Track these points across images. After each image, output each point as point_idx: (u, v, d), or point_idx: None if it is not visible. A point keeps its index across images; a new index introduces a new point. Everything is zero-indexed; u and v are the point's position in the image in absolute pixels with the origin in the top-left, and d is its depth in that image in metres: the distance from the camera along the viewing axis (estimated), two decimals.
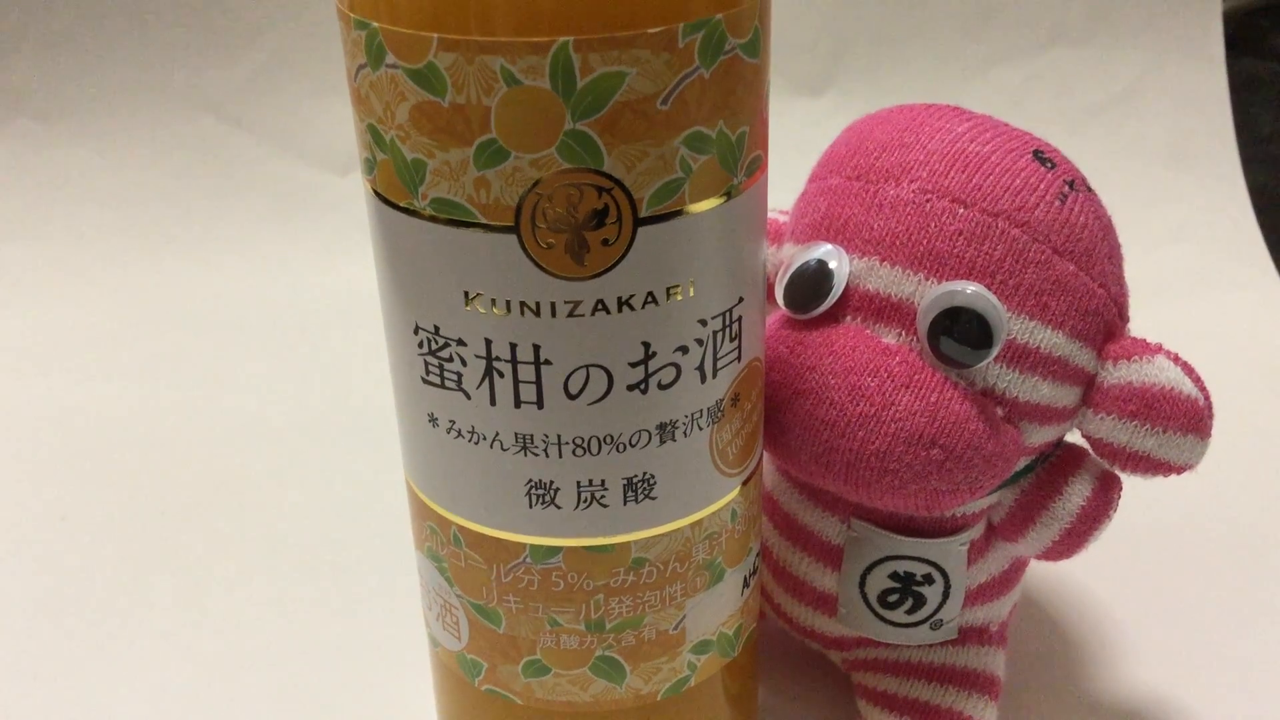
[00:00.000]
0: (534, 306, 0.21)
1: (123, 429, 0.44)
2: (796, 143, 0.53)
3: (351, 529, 0.39)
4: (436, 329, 0.22)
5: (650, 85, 0.20)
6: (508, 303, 0.21)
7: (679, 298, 0.22)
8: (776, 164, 0.45)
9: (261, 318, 0.50)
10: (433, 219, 0.21)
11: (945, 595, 0.29)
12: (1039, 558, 0.30)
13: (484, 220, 0.21)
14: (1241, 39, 0.82)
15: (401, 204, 0.22)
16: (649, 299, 0.22)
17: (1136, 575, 0.36)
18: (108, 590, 0.37)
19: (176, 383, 0.47)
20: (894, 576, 0.29)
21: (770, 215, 0.30)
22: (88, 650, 0.34)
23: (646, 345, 0.22)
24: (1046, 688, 0.33)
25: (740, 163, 0.22)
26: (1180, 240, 0.51)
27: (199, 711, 0.32)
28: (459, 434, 0.23)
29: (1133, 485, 0.30)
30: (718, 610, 0.26)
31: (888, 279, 0.26)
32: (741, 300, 0.23)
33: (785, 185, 0.32)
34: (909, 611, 0.29)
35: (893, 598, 0.29)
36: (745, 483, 0.25)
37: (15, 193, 0.52)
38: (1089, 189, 0.28)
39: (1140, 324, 0.43)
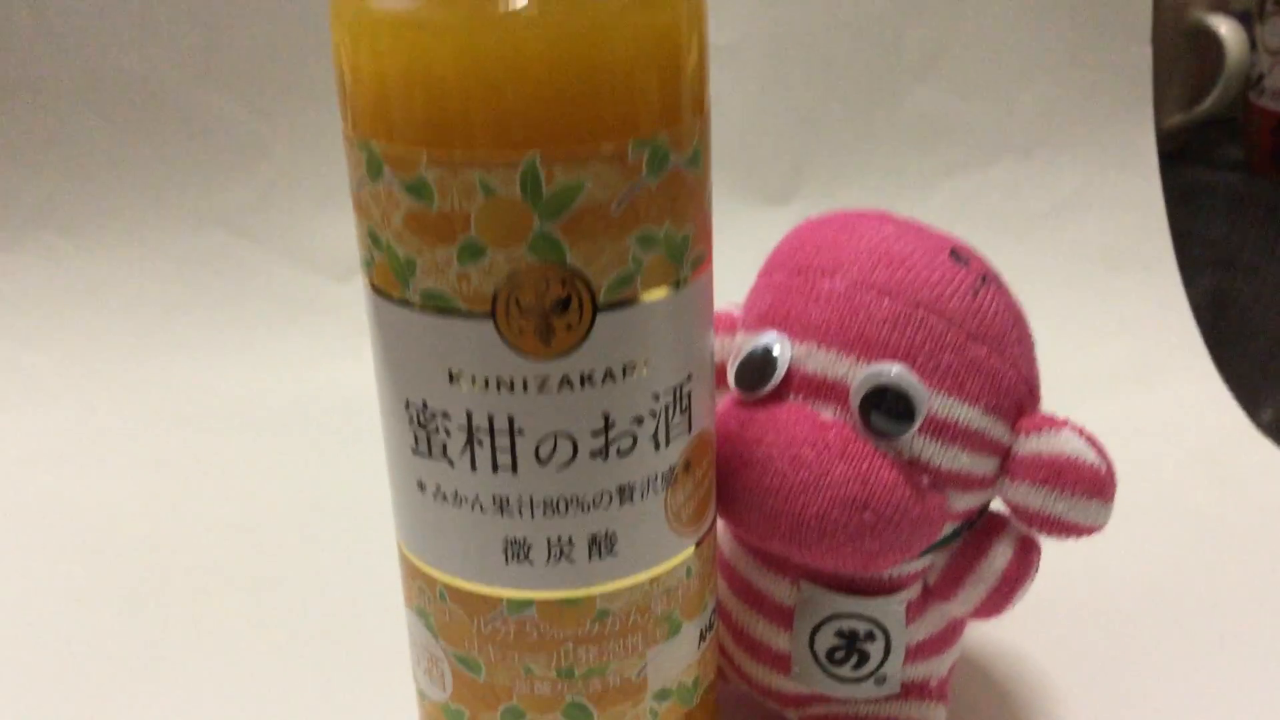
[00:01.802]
0: (508, 382, 0.25)
1: (142, 517, 0.47)
2: (764, 248, 0.57)
3: (348, 601, 0.41)
4: (425, 404, 0.26)
5: (605, 193, 0.24)
6: (486, 379, 0.25)
7: (634, 375, 0.25)
8: (742, 267, 0.50)
9: (268, 412, 0.53)
10: (422, 308, 0.25)
11: (887, 651, 0.32)
12: (971, 616, 0.33)
13: (465, 308, 0.24)
14: (1195, 149, 0.87)
15: (395, 296, 0.25)
16: (608, 375, 0.25)
17: (1068, 638, 0.39)
18: (120, 666, 0.39)
19: (191, 474, 0.50)
20: (840, 634, 0.32)
21: (727, 309, 0.34)
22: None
23: (607, 416, 0.25)
24: None
25: (685, 258, 0.26)
26: (1119, 336, 0.54)
27: None
28: (444, 498, 0.26)
29: (1071, 556, 0.33)
30: (676, 660, 0.29)
31: (824, 361, 0.30)
32: (690, 377, 0.27)
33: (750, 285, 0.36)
34: (855, 667, 0.32)
35: (840, 654, 0.32)
36: (699, 543, 0.29)
37: (40, 300, 0.55)
38: (1000, 284, 0.31)
39: (1082, 411, 0.47)
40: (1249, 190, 0.80)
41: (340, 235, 0.57)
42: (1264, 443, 0.50)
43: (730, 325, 0.34)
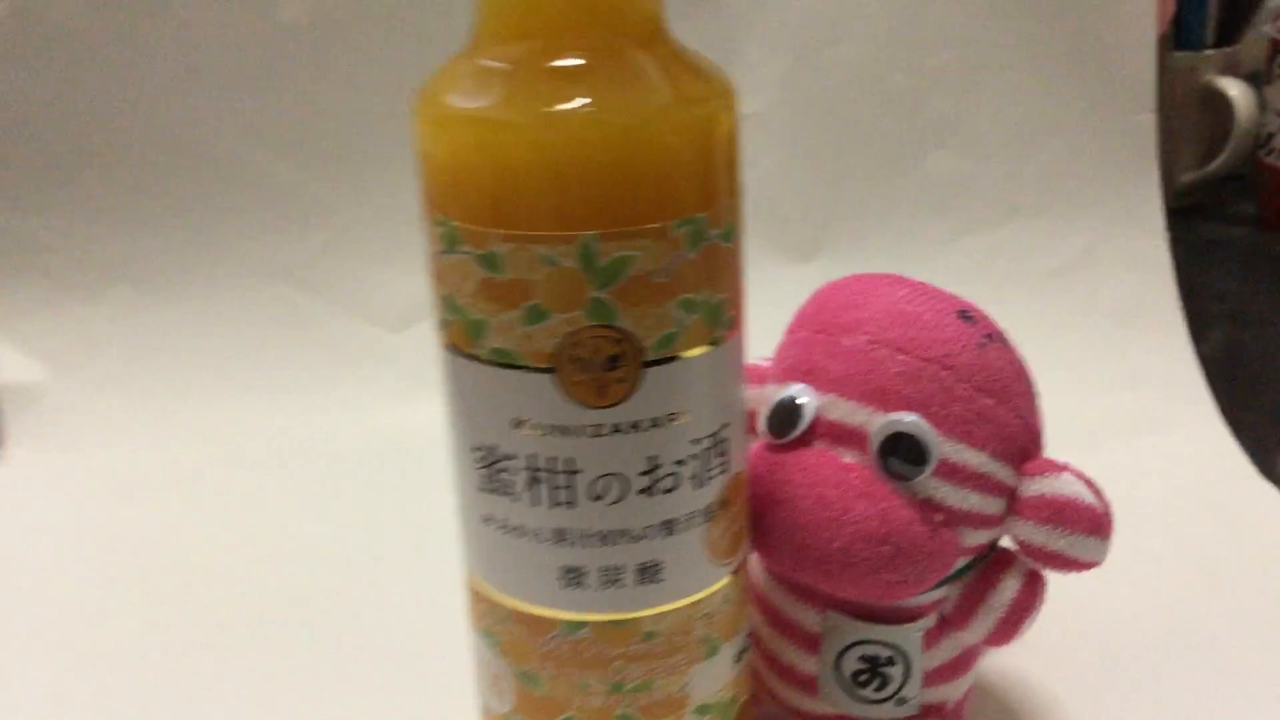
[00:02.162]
0: (567, 429, 0.28)
1: (211, 552, 0.51)
2: (790, 300, 0.60)
3: (412, 625, 0.45)
4: (492, 449, 0.29)
5: (652, 264, 0.27)
6: (547, 426, 0.28)
7: (677, 423, 0.29)
8: (773, 319, 0.54)
9: (328, 453, 0.57)
10: (491, 363, 0.28)
11: (906, 675, 0.35)
12: (983, 644, 0.36)
13: (529, 364, 0.28)
14: (1208, 205, 0.90)
15: (467, 352, 0.29)
16: (654, 423, 0.28)
17: (1078, 668, 0.42)
18: (198, 692, 0.43)
19: (258, 511, 0.54)
20: (863, 659, 0.35)
21: (758, 363, 0.37)
22: None
23: (653, 459, 0.29)
24: None
25: (721, 319, 0.29)
26: (1128, 388, 0.57)
27: None
28: (508, 531, 0.30)
29: (1082, 592, 0.36)
30: (715, 678, 0.32)
31: (845, 411, 0.33)
32: (726, 425, 0.30)
33: (779, 336, 0.39)
34: (877, 690, 0.35)
35: (863, 677, 0.35)
36: (735, 572, 0.32)
37: (115, 349, 0.59)
38: (1005, 341, 0.35)
39: (1093, 458, 0.50)
40: (1260, 245, 0.83)
41: (395, 289, 0.61)
42: (1269, 489, 0.53)
43: (760, 377, 0.37)
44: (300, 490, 0.55)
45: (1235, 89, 0.83)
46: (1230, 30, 0.85)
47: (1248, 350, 0.68)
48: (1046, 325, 0.60)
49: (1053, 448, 0.46)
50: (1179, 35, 0.84)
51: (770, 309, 0.59)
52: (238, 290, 0.60)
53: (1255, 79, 0.85)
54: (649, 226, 0.27)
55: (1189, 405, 0.57)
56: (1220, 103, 0.84)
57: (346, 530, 0.52)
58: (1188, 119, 0.86)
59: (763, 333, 0.39)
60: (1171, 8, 0.62)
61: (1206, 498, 0.52)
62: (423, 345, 0.60)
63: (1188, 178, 0.88)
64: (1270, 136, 0.83)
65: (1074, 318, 0.60)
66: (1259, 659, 0.43)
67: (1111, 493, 0.49)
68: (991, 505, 0.33)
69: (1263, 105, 0.83)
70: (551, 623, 0.30)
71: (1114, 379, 0.58)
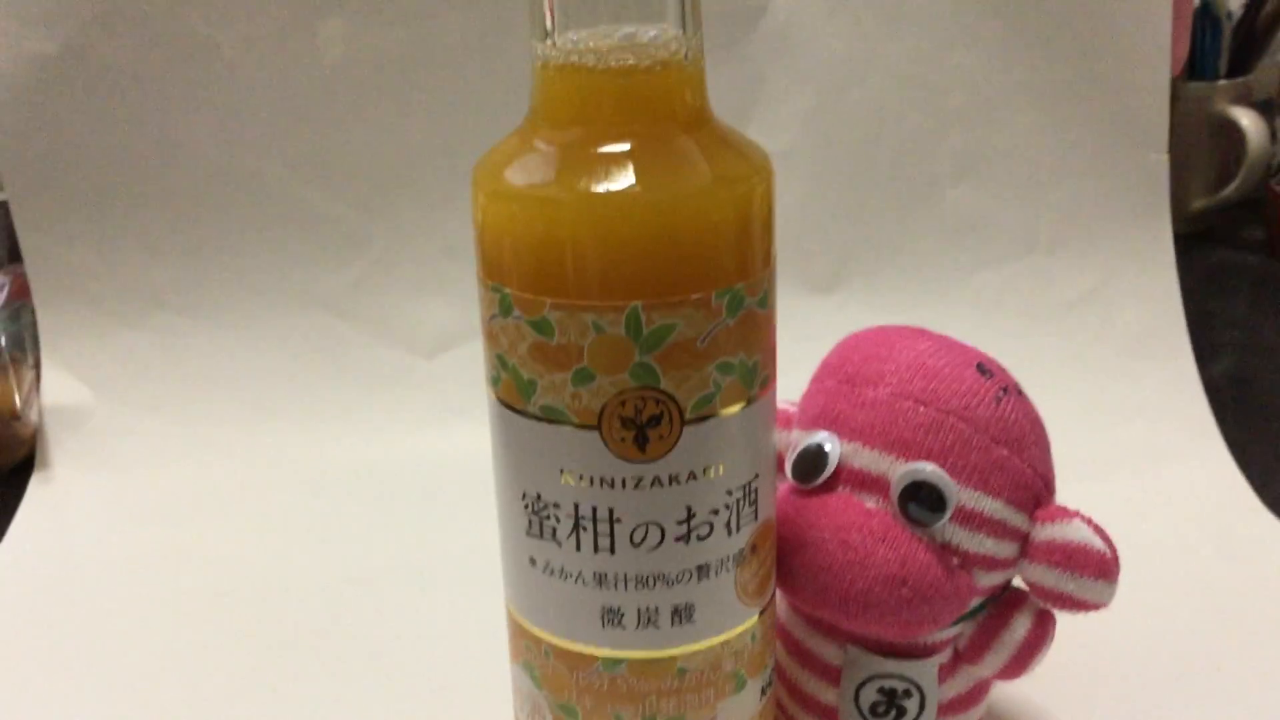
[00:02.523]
0: (610, 481, 0.30)
1: (250, 571, 0.53)
2: (810, 334, 0.62)
3: (450, 646, 0.47)
4: (539, 495, 0.31)
5: (693, 331, 0.29)
6: (591, 478, 0.30)
7: (712, 475, 0.31)
8: (794, 350, 0.55)
9: (363, 474, 0.59)
10: (539, 419, 0.30)
11: (921, 707, 0.37)
12: (995, 678, 0.38)
13: (576, 421, 0.30)
14: (1219, 230, 0.92)
15: (518, 408, 0.31)
16: (691, 476, 0.30)
17: (1084, 696, 0.44)
18: (248, 706, 0.45)
19: (294, 532, 0.56)
20: (881, 691, 0.37)
21: (783, 406, 0.39)
22: None
23: (689, 508, 0.31)
24: None
25: (755, 380, 0.31)
26: (1137, 419, 0.59)
27: None
28: (551, 573, 0.32)
29: (1088, 622, 0.38)
30: (741, 711, 0.34)
31: (869, 459, 0.35)
32: (758, 476, 0.32)
33: (801, 367, 0.41)
34: None
35: (881, 709, 0.37)
36: (762, 613, 0.34)
37: (160, 373, 0.62)
38: (1020, 393, 0.36)
39: (1103, 485, 0.53)
40: (1271, 273, 0.85)
41: (428, 318, 0.63)
42: (1272, 520, 0.55)
43: (787, 422, 0.39)
44: (336, 512, 0.57)
45: (1247, 118, 0.84)
46: (1244, 60, 0.87)
47: (1256, 378, 0.69)
48: (1060, 357, 0.62)
49: (1064, 476, 0.48)
50: (1193, 65, 0.86)
51: (791, 341, 0.61)
52: (276, 318, 0.62)
53: (1268, 107, 0.87)
54: (691, 297, 0.29)
55: (1196, 436, 0.59)
56: (1233, 131, 0.85)
57: (382, 552, 0.54)
58: (1200, 147, 0.88)
59: (784, 363, 0.41)
60: (1185, 50, 0.64)
61: (1210, 528, 0.54)
62: (454, 371, 0.62)
63: (1199, 204, 0.89)
64: None
65: (1086, 349, 0.62)
66: (1262, 688, 0.45)
67: (1118, 523, 0.51)
68: (1005, 549, 0.35)
69: (1274, 135, 0.84)
70: (590, 659, 0.32)
71: (1124, 409, 0.60)
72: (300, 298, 0.62)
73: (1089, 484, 0.57)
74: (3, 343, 0.60)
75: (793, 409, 0.40)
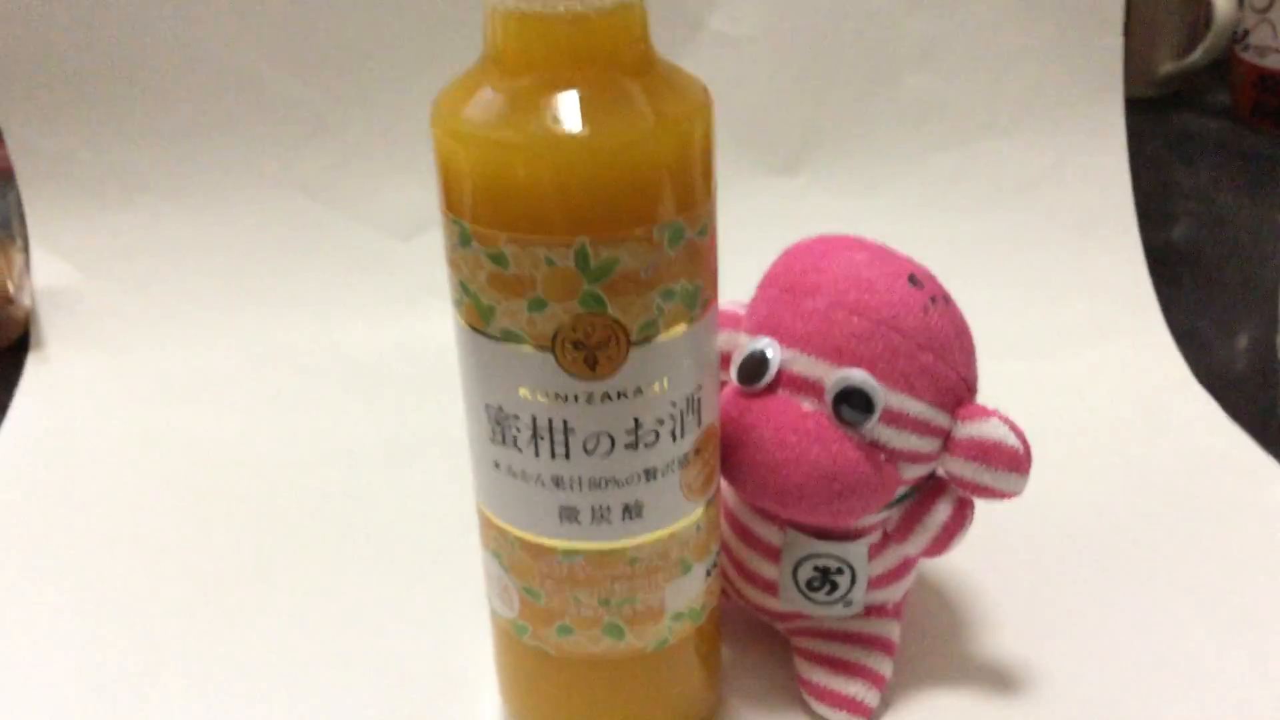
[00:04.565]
0: (564, 396, 0.33)
1: (226, 446, 0.57)
2: (773, 215, 0.65)
3: (428, 527, 0.50)
4: (500, 408, 0.34)
5: (636, 263, 0.32)
6: (547, 393, 0.33)
7: (657, 390, 0.34)
8: (757, 233, 0.58)
9: (336, 354, 0.62)
10: (499, 340, 0.33)
11: (853, 582, 0.41)
12: (920, 555, 0.42)
13: (533, 343, 0.33)
14: (1185, 95, 0.93)
15: (479, 329, 0.34)
16: (637, 391, 0.34)
17: (1006, 565, 0.48)
18: (238, 576, 0.49)
19: (277, 408, 0.59)
20: (817, 569, 0.41)
21: (732, 308, 0.42)
22: (229, 626, 0.47)
23: (637, 420, 0.34)
24: (930, 649, 0.44)
25: (696, 302, 0.34)
26: (1086, 294, 0.62)
27: (322, 657, 0.45)
28: (514, 475, 0.35)
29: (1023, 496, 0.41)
30: (688, 591, 0.38)
31: (806, 365, 0.38)
32: (700, 387, 0.35)
33: (764, 248, 0.43)
34: (827, 594, 0.41)
35: (816, 584, 0.41)
36: (706, 506, 0.37)
37: (143, 253, 0.64)
38: (948, 301, 0.39)
39: (1045, 361, 0.56)
40: (1232, 140, 0.87)
41: (403, 200, 0.65)
42: (1201, 393, 0.58)
43: (735, 322, 0.42)
44: (317, 388, 0.60)
45: None
46: None
47: (1204, 251, 0.72)
48: (1013, 236, 0.65)
49: (1011, 351, 0.52)
50: None
51: (755, 220, 0.64)
52: (256, 201, 0.64)
53: None
54: (635, 232, 0.31)
55: (1137, 313, 0.62)
56: None
57: (363, 429, 0.58)
58: (1169, 11, 0.88)
59: (748, 244, 0.43)
60: None
61: (1141, 401, 0.58)
62: (431, 253, 0.64)
63: (1166, 69, 0.90)
64: (1246, 32, 0.85)
65: (1039, 228, 0.64)
66: (1174, 551, 0.49)
67: (1056, 395, 0.56)
68: (928, 445, 0.39)
69: (1241, 1, 0.85)
70: (551, 550, 0.36)
71: (1071, 286, 0.63)
72: (279, 181, 0.64)
73: (1033, 360, 0.61)
74: None
75: (741, 310, 0.42)
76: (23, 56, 0.62)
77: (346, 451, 0.56)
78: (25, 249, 0.64)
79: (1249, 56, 0.85)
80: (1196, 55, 0.88)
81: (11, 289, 0.62)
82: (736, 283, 0.41)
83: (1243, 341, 0.63)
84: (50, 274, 0.64)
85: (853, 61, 0.64)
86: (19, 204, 0.64)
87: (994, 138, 0.65)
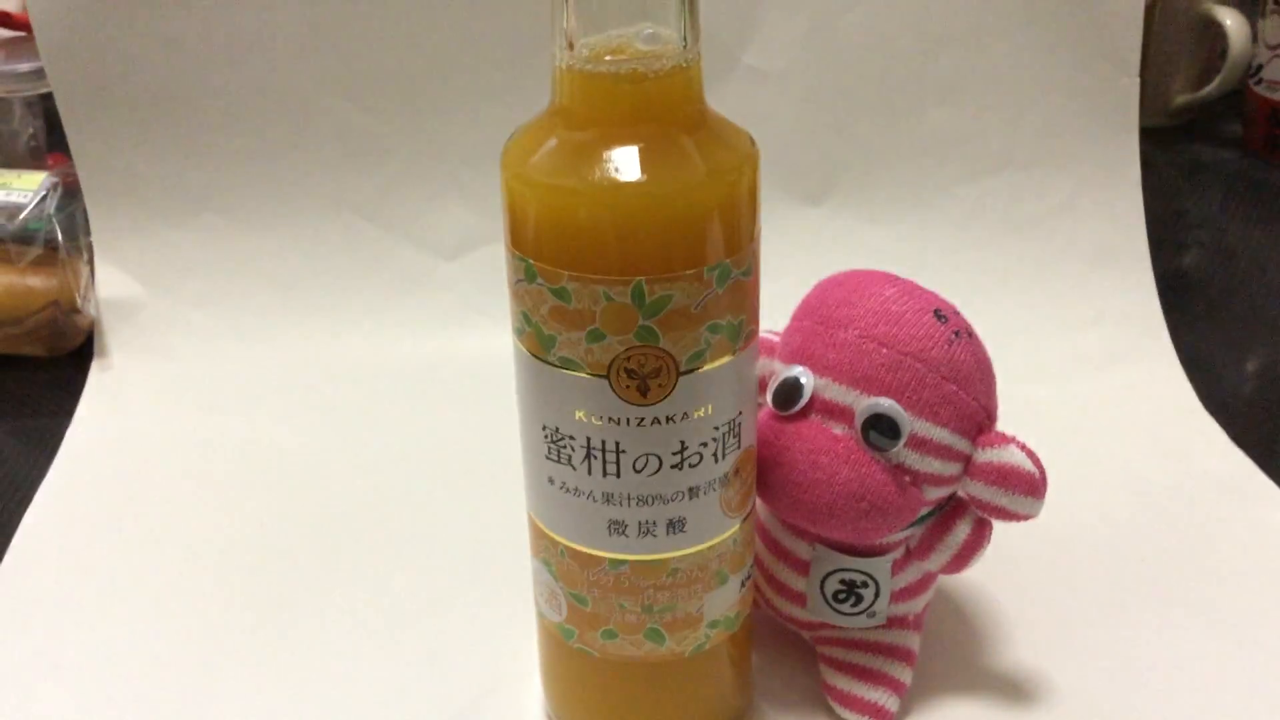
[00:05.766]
0: (616, 420, 0.36)
1: (279, 453, 0.60)
2: (802, 239, 0.68)
3: (478, 537, 0.53)
4: (557, 429, 0.37)
5: (687, 300, 0.35)
6: (601, 417, 0.36)
7: (701, 415, 0.37)
8: (785, 260, 0.62)
9: (386, 368, 0.65)
10: (558, 367, 0.36)
11: (876, 595, 0.44)
12: (940, 572, 0.45)
13: (589, 371, 0.36)
14: (1198, 125, 0.96)
15: (539, 356, 0.37)
16: (684, 416, 0.37)
17: (1022, 583, 0.51)
18: (293, 577, 0.52)
19: (321, 418, 0.62)
20: (843, 582, 0.44)
21: (768, 336, 0.45)
22: (275, 625, 0.50)
23: (683, 442, 0.37)
24: (948, 659, 0.47)
25: (740, 336, 0.37)
26: (1099, 324, 0.65)
27: (375, 655, 0.48)
28: (567, 490, 0.38)
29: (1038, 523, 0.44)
30: (724, 601, 0.41)
31: (838, 392, 0.41)
32: (740, 413, 0.38)
33: (794, 273, 0.46)
34: (853, 606, 0.44)
35: (842, 596, 0.44)
36: (743, 522, 0.40)
37: (203, 269, 0.67)
38: (971, 335, 0.42)
39: (1060, 386, 0.59)
40: (1243, 171, 0.89)
41: (449, 222, 0.68)
42: (1207, 420, 0.61)
43: (770, 349, 0.45)
44: (365, 400, 0.64)
45: (1231, 19, 0.87)
46: None
47: (1211, 280, 0.75)
48: (1029, 265, 0.68)
49: (1028, 377, 0.54)
50: None
51: (785, 247, 0.67)
52: (310, 220, 0.67)
53: (1253, 2, 0.89)
54: (687, 272, 0.34)
55: (1147, 340, 0.65)
56: (1216, 31, 0.89)
57: (407, 437, 0.61)
58: (1185, 45, 0.91)
59: (779, 269, 0.46)
60: None
61: (1150, 426, 0.60)
62: (474, 271, 0.68)
63: (1181, 100, 0.93)
64: (1260, 67, 0.88)
65: (1055, 259, 0.67)
66: (1179, 571, 0.52)
67: (1069, 420, 0.58)
68: (950, 469, 0.42)
69: (1255, 35, 0.88)
70: (599, 560, 0.39)
71: (1086, 315, 0.66)
72: (332, 202, 0.67)
73: (1049, 385, 0.64)
74: (60, 240, 0.66)
75: (775, 339, 0.45)
76: (92, 81, 0.65)
77: (396, 458, 0.59)
78: (91, 262, 0.67)
79: (1262, 91, 0.88)
80: (1211, 88, 0.91)
81: (78, 300, 0.65)
82: (766, 303, 0.43)
83: (1249, 369, 0.66)
84: (114, 286, 0.67)
85: (879, 97, 0.67)
86: (85, 219, 0.68)
87: (1012, 171, 0.67)
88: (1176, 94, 0.93)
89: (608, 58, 0.34)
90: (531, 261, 0.35)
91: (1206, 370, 0.65)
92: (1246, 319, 0.70)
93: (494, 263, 0.37)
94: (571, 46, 0.34)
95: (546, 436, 0.38)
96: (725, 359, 0.37)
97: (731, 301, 0.36)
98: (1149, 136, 0.70)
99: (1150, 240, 0.69)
